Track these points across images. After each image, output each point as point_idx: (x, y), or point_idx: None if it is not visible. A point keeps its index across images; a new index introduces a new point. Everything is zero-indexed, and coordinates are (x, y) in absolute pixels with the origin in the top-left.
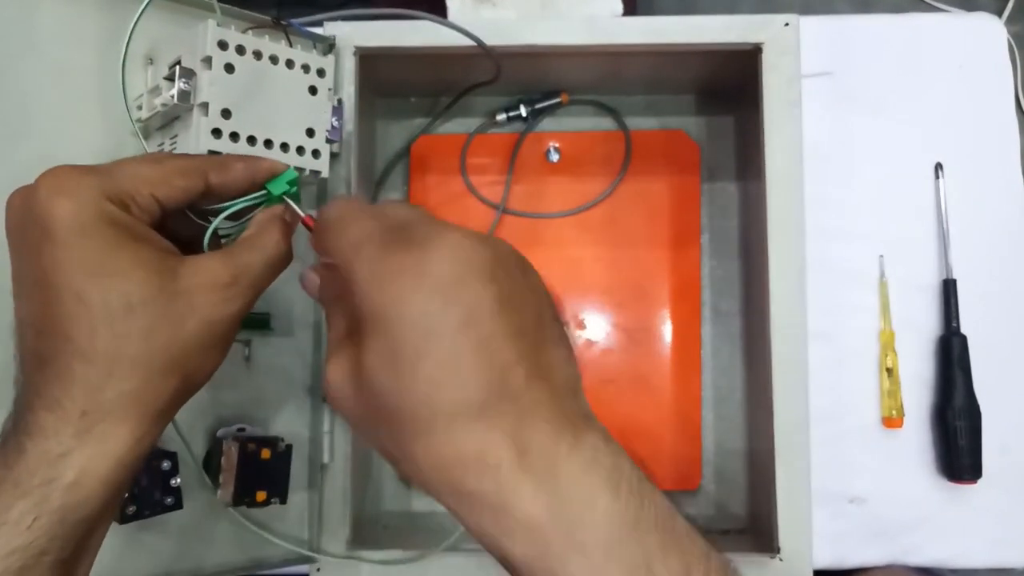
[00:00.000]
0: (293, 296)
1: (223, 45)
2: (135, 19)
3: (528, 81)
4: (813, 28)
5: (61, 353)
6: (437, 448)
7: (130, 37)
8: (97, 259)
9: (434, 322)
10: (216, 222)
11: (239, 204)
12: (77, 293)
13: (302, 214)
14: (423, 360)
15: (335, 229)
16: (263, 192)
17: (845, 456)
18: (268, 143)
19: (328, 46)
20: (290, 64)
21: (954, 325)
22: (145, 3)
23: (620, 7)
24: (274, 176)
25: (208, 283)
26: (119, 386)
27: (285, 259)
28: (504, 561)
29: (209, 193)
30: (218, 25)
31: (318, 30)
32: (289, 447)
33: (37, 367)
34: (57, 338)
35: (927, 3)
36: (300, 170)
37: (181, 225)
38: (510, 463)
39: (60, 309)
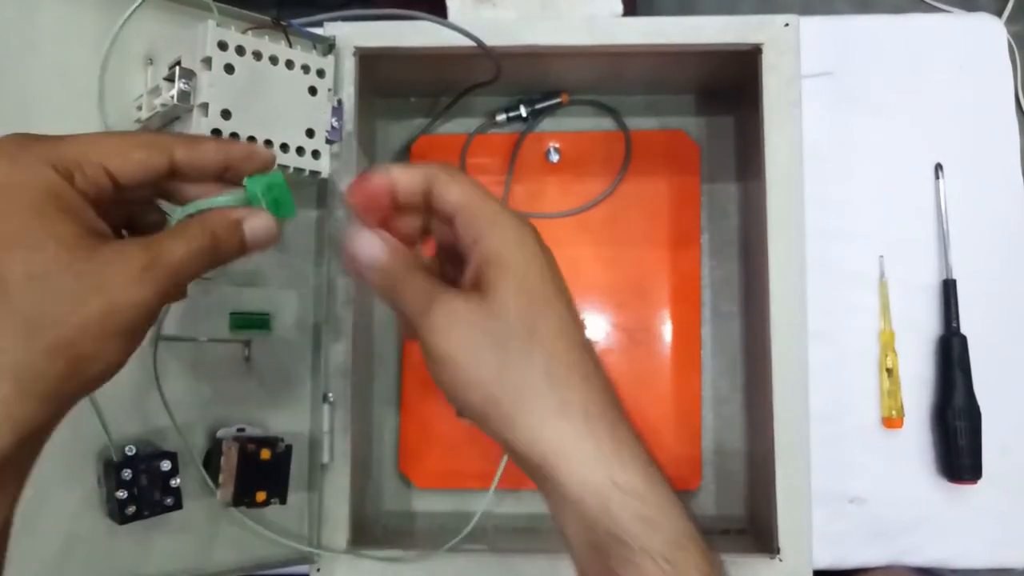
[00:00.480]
0: (293, 296)
1: (223, 46)
2: (121, 21)
3: (528, 81)
4: (813, 28)
5: None
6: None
7: (115, 37)
8: (14, 225)
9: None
10: (176, 214)
11: (210, 203)
12: None
13: (271, 222)
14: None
15: (446, 178)
16: (240, 193)
17: (845, 456)
18: (268, 143)
19: (328, 46)
20: (290, 65)
21: (954, 325)
22: (134, 6)
23: (620, 7)
24: (255, 165)
25: (120, 264)
26: None
27: (216, 253)
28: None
29: (175, 172)
30: (218, 26)
31: (318, 30)
32: (289, 447)
33: None
34: None
35: (927, 3)
36: (300, 171)
37: (149, 215)
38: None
39: None
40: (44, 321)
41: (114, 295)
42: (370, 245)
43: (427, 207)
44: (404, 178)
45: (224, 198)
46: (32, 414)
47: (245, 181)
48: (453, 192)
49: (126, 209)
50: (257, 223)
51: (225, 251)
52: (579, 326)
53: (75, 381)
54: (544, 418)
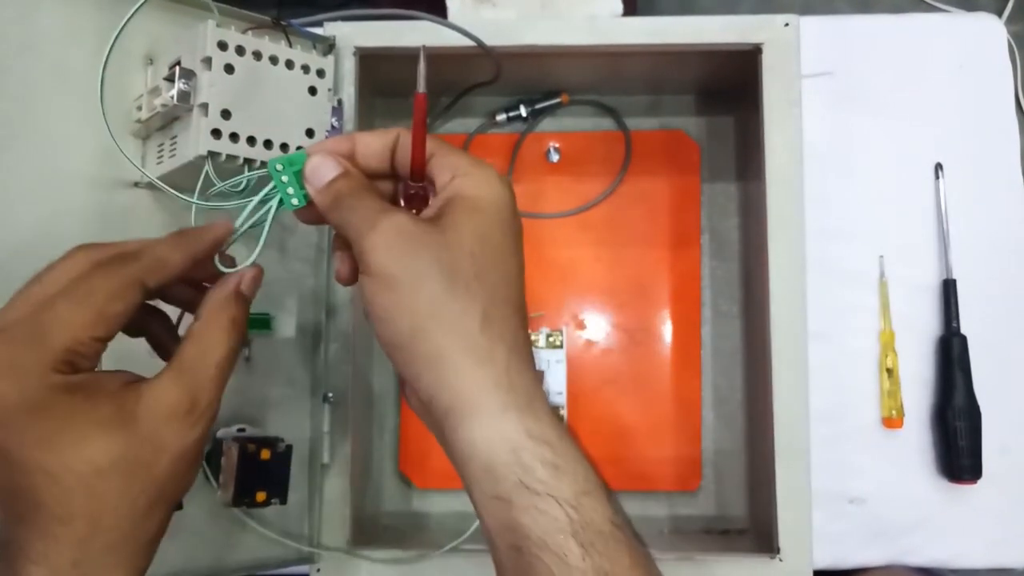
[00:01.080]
0: (294, 296)
1: (223, 46)
2: (123, 23)
3: (528, 81)
4: (813, 28)
5: (38, 517)
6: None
7: (115, 39)
8: (54, 433)
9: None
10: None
11: (244, 228)
12: (41, 467)
13: (257, 269)
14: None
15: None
16: (270, 190)
17: (845, 456)
18: (268, 143)
19: (328, 46)
20: (290, 64)
21: (954, 325)
22: (136, 7)
23: (620, 7)
24: (218, 239)
25: (167, 415)
26: (106, 537)
27: (238, 352)
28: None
29: (153, 293)
30: (218, 26)
31: (318, 30)
32: (289, 447)
33: (16, 523)
34: (30, 505)
35: (927, 3)
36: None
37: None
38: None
39: (28, 481)
40: (133, 495)
41: (175, 447)
42: (323, 166)
43: (392, 171)
44: (369, 137)
45: (255, 201)
46: (150, 560)
47: (268, 164)
48: (433, 138)
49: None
50: (248, 277)
51: (244, 325)
52: (521, 291)
53: (170, 516)
54: (467, 360)
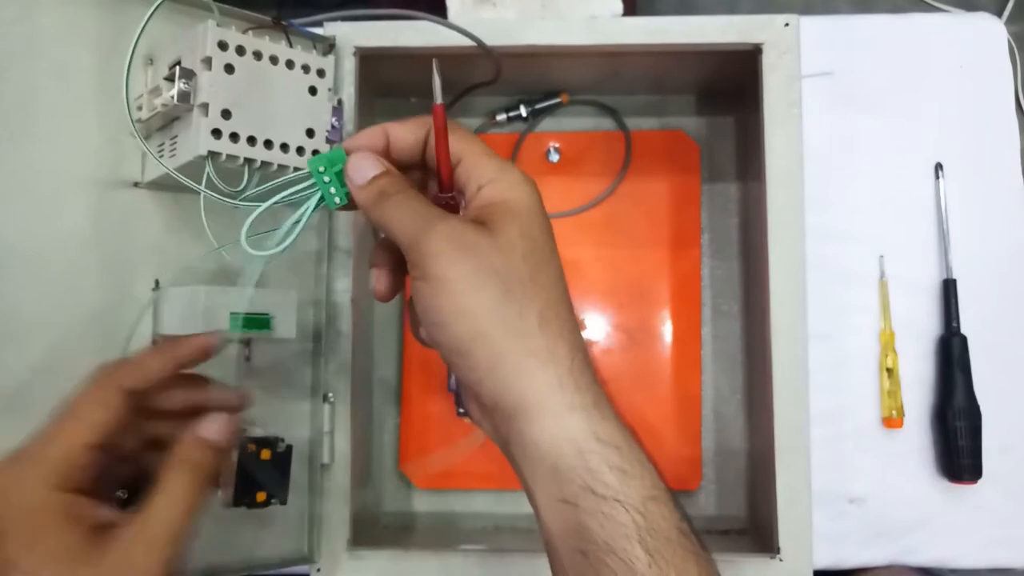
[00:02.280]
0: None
1: (223, 45)
2: (141, 26)
3: (528, 81)
4: (813, 28)
5: None
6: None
7: (136, 43)
8: (38, 541)
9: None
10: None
11: (287, 243)
12: (19, 567)
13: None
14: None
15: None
16: (307, 188)
17: (845, 456)
18: (268, 143)
19: (328, 46)
20: (290, 64)
21: (954, 325)
22: (153, 8)
23: (620, 7)
24: (198, 354)
25: (130, 569)
26: None
27: (205, 496)
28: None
29: (141, 397)
30: (218, 26)
31: (318, 30)
32: (289, 447)
33: None
34: None
35: (927, 3)
36: (299, 170)
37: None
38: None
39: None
40: None
41: None
42: (364, 163)
43: (424, 162)
44: (402, 130)
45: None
46: None
47: (308, 163)
48: (458, 138)
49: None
50: (222, 423)
51: (213, 470)
52: (567, 290)
53: None
54: (531, 362)
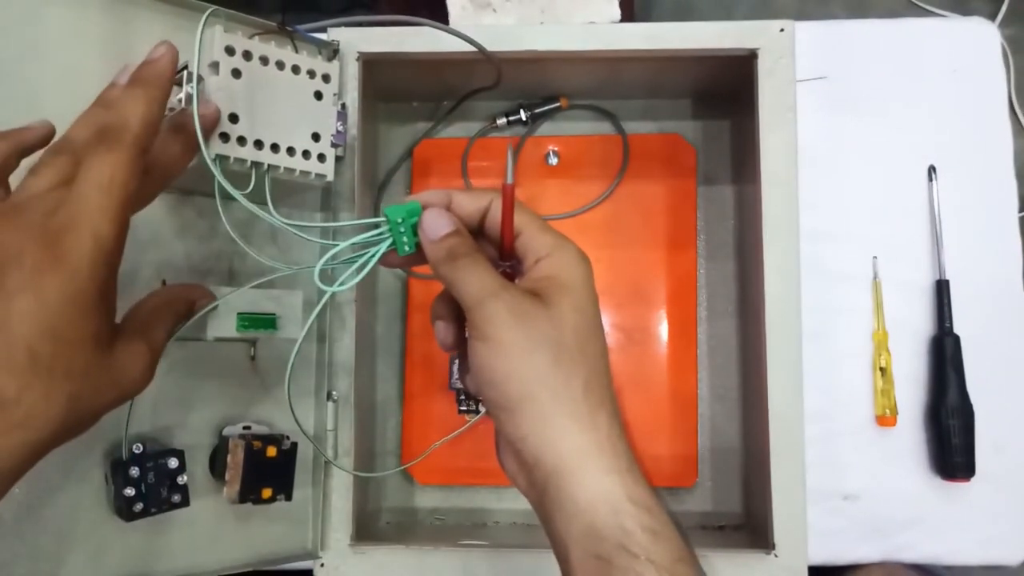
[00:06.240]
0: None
1: (230, 50)
2: (198, 36)
3: (528, 86)
4: (808, 33)
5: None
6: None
7: (198, 59)
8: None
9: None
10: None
11: (358, 279)
12: None
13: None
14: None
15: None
16: (379, 234)
17: (839, 454)
18: (275, 147)
19: (332, 52)
20: (296, 69)
21: (947, 325)
22: (204, 17)
23: (618, 14)
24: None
25: (133, 368)
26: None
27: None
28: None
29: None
30: (225, 31)
31: (322, 36)
32: (294, 445)
33: None
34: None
35: (921, 8)
36: (305, 174)
37: None
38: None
39: None
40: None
41: (124, 390)
42: (440, 221)
43: (481, 230)
44: (466, 198)
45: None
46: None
47: (385, 210)
48: (519, 212)
49: None
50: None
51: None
52: (609, 364)
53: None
54: (574, 425)
